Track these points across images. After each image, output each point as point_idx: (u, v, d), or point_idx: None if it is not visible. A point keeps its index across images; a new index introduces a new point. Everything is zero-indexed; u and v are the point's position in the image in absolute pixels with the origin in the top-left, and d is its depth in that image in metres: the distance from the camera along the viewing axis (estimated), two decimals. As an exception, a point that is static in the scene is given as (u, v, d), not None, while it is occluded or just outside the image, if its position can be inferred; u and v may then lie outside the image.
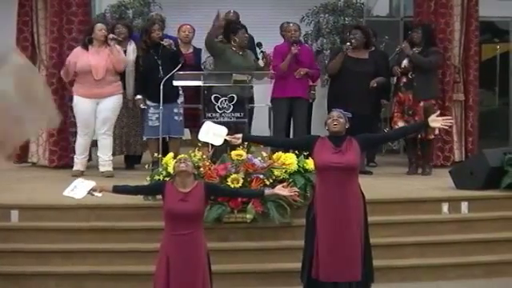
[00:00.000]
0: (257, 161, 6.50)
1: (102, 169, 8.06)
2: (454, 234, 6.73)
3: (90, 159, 8.46)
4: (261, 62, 8.36)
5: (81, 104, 8.03)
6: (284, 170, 6.49)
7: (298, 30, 8.67)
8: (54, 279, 6.16)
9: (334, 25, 11.01)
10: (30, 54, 8.92)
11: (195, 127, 7.68)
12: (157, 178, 6.48)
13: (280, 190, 5.36)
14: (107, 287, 6.14)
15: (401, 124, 8.18)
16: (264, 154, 6.65)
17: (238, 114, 7.62)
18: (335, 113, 5.39)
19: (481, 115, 9.58)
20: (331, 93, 8.61)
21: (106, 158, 8.06)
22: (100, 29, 8.05)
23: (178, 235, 4.88)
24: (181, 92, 8.22)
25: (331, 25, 11.01)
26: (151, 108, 8.12)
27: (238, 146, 6.19)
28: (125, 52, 8.29)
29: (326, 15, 11.08)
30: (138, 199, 6.47)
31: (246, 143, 6.20)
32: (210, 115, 7.51)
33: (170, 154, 6.73)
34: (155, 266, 5.04)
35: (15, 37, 8.94)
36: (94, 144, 8.29)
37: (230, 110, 7.59)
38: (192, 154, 6.35)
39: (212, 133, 5.59)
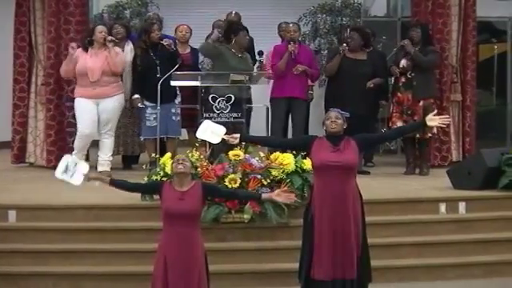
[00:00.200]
0: (254, 161, 6.51)
1: (100, 168, 8.06)
2: (452, 234, 6.74)
3: (88, 159, 8.45)
4: (255, 70, 8.42)
5: (81, 105, 8.03)
6: (281, 170, 6.50)
7: (297, 31, 8.68)
8: (51, 279, 6.16)
9: (331, 25, 11.00)
10: (27, 54, 8.93)
11: (193, 127, 7.69)
12: (154, 178, 6.48)
13: (277, 196, 5.27)
14: (105, 287, 6.14)
15: (399, 124, 8.17)
16: (261, 154, 6.66)
17: (235, 115, 7.62)
18: (333, 113, 5.38)
19: (478, 115, 9.57)
20: (328, 93, 8.61)
21: (105, 157, 8.06)
22: (100, 31, 8.05)
23: (174, 234, 4.88)
24: (178, 92, 8.23)
25: (329, 25, 11.00)
26: (149, 108, 8.12)
27: (236, 146, 6.19)
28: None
29: (324, 15, 11.07)
30: (136, 199, 6.47)
31: (244, 143, 6.20)
32: (207, 115, 7.51)
33: (168, 154, 6.74)
34: (153, 265, 5.04)
35: (13, 37, 8.94)
36: (93, 144, 8.28)
37: (228, 110, 7.60)
38: (190, 154, 6.35)
39: (210, 131, 5.60)
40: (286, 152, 6.58)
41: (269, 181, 6.42)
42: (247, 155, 6.52)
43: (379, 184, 7.67)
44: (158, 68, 8.05)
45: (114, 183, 5.23)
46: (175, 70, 7.79)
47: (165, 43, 8.10)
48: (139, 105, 8.18)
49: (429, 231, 6.73)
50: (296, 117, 8.63)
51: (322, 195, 5.23)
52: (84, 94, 8.01)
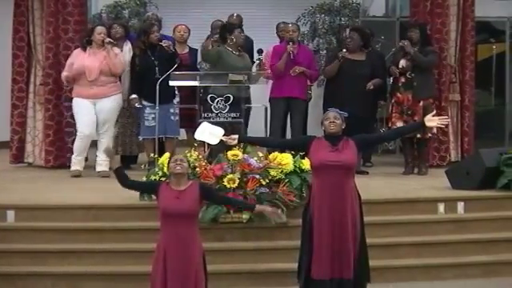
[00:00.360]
0: (253, 161, 6.51)
1: (98, 168, 8.07)
2: (450, 234, 6.74)
3: (86, 159, 8.44)
4: (254, 69, 8.40)
5: (79, 104, 8.04)
6: (280, 170, 6.50)
7: (296, 31, 8.67)
8: (50, 279, 6.15)
9: (330, 25, 11.01)
10: (26, 54, 8.93)
11: (191, 127, 7.68)
12: (153, 178, 6.47)
13: (266, 208, 5.46)
14: (104, 287, 6.14)
15: (399, 124, 8.17)
16: (260, 154, 6.66)
17: (234, 114, 7.61)
18: (332, 113, 5.38)
19: (477, 115, 9.58)
20: (327, 93, 8.61)
21: (104, 157, 8.05)
22: (99, 32, 8.06)
23: (172, 234, 4.88)
24: (176, 92, 8.23)
25: (327, 25, 11.01)
26: (147, 108, 8.12)
27: (234, 146, 6.19)
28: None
29: (322, 15, 11.08)
30: (135, 199, 6.47)
31: (242, 144, 6.20)
32: (205, 115, 7.51)
33: (167, 154, 6.74)
34: (151, 265, 5.03)
35: (11, 37, 8.94)
36: (92, 144, 8.28)
37: (226, 110, 7.59)
38: (188, 154, 6.34)
39: (208, 132, 5.60)
40: (284, 152, 6.58)
41: (267, 181, 6.41)
42: (246, 155, 6.51)
43: (378, 184, 7.66)
44: (157, 68, 8.05)
45: (118, 172, 5.18)
46: (174, 70, 7.79)
47: (164, 45, 8.10)
48: (136, 105, 8.19)
49: (427, 231, 6.73)
50: (295, 117, 8.63)
51: (321, 195, 5.23)
52: (81, 93, 8.02)
